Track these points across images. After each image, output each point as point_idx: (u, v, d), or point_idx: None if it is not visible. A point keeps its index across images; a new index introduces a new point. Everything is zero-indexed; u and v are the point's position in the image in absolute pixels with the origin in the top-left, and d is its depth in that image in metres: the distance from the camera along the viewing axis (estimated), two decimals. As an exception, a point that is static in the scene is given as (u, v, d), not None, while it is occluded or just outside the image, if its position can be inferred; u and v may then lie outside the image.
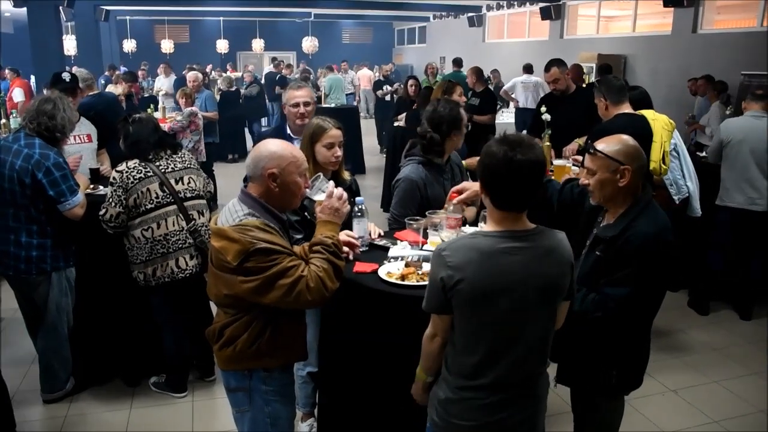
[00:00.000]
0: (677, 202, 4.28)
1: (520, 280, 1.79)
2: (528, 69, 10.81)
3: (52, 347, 3.48)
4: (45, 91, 4.12)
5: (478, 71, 7.59)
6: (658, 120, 3.80)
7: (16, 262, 3.27)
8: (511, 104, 11.03)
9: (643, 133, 3.56)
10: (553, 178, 4.24)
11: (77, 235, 3.43)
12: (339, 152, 2.90)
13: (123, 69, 15.65)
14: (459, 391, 1.89)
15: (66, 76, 4.21)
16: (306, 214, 2.83)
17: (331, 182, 2.41)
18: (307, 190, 2.33)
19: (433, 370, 2.00)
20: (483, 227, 1.93)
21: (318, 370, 2.91)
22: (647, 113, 3.84)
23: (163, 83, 11.53)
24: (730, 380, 3.90)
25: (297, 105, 3.35)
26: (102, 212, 3.23)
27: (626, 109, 3.78)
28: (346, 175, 3.06)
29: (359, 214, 2.66)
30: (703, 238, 4.84)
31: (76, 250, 3.48)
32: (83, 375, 3.66)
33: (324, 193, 2.30)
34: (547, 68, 4.93)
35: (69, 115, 3.33)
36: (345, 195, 2.28)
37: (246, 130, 11.61)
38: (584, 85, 6.64)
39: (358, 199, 2.69)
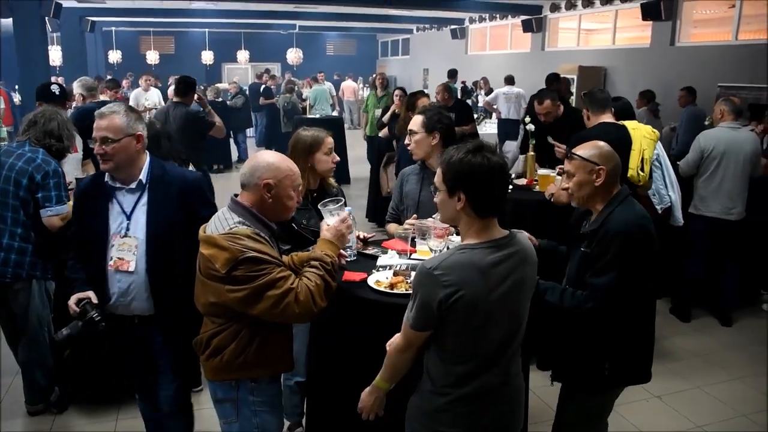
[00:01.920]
0: (659, 212, 4.36)
1: (510, 287, 1.85)
2: (510, 80, 10.93)
3: (34, 359, 3.45)
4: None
5: (445, 87, 7.63)
6: (639, 129, 3.90)
7: None
8: (494, 115, 11.15)
9: (619, 141, 3.67)
10: (538, 188, 4.34)
11: (63, 245, 3.40)
12: (336, 157, 2.98)
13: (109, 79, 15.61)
14: (447, 400, 1.90)
15: (55, 89, 4.23)
16: (293, 224, 2.85)
17: (347, 209, 2.48)
18: (321, 208, 2.43)
19: (397, 380, 2.03)
20: (458, 240, 1.97)
21: (306, 378, 2.92)
22: (629, 123, 3.95)
23: (146, 97, 10.49)
24: (713, 385, 3.96)
25: (95, 140, 2.47)
26: None
27: (607, 119, 3.90)
28: (332, 182, 3.09)
29: (330, 203, 2.68)
30: (684, 246, 4.93)
31: (55, 265, 3.41)
32: (69, 386, 3.61)
33: (337, 218, 2.36)
34: (541, 101, 4.95)
35: (71, 133, 3.41)
36: (350, 222, 2.35)
37: (231, 141, 11.61)
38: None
39: (346, 208, 2.71)
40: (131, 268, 2.48)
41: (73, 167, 4.15)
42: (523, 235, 1.99)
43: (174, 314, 2.52)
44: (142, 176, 2.52)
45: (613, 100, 4.51)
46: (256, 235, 2.07)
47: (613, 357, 2.40)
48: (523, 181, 4.50)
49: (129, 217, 2.50)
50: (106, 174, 2.52)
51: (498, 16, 15.23)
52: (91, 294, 2.51)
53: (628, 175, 3.82)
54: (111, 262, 2.49)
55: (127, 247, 2.47)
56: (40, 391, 3.52)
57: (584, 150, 2.40)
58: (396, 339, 1.96)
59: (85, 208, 2.60)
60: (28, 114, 3.48)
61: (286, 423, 3.22)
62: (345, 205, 2.54)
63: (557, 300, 2.34)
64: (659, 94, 8.59)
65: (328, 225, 2.33)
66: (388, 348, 1.98)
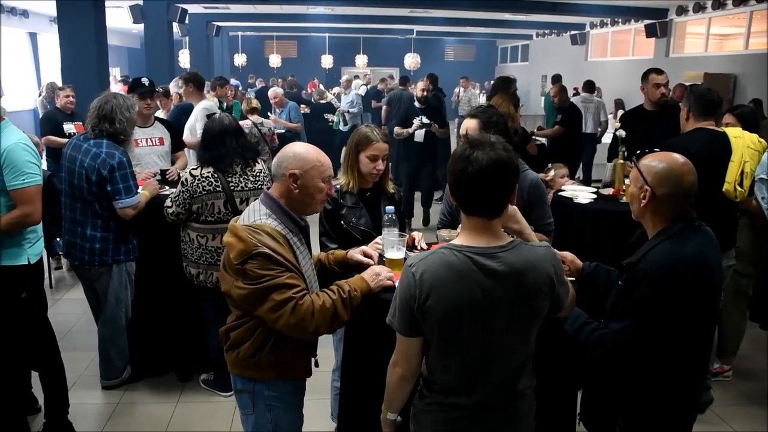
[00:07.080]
0: None
1: (490, 301, 1.67)
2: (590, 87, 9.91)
3: (109, 337, 3.65)
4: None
5: (560, 87, 7.42)
6: (742, 138, 3.42)
7: (81, 253, 3.47)
8: (610, 124, 10.53)
9: (714, 152, 3.28)
10: (625, 199, 4.02)
11: (139, 231, 3.60)
12: (381, 165, 2.85)
13: (234, 82, 16.50)
14: (426, 402, 1.81)
15: (145, 80, 4.34)
16: (342, 222, 2.82)
17: (388, 209, 2.63)
18: (385, 232, 2.51)
19: (395, 406, 1.89)
20: (455, 239, 1.83)
21: (341, 371, 2.86)
22: (732, 131, 3.47)
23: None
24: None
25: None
26: (167, 204, 3.36)
27: (708, 125, 3.44)
28: (391, 187, 3.01)
29: (388, 223, 2.62)
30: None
31: (138, 245, 3.62)
32: (139, 365, 3.82)
33: (399, 251, 2.40)
34: (661, 71, 4.51)
35: (129, 116, 3.42)
36: (392, 276, 2.23)
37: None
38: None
39: (388, 208, 2.66)
40: None
41: (158, 159, 4.32)
42: (539, 252, 1.75)
43: None
44: None
45: (737, 107, 4.03)
46: (278, 234, 2.04)
47: (628, 413, 2.06)
48: (609, 191, 4.19)
49: None
50: None
51: (620, 20, 14.47)
52: None
53: (724, 189, 3.36)
54: None
55: None
56: (114, 367, 3.72)
57: (649, 160, 2.01)
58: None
59: None
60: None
61: (334, 423, 3.18)
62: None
63: (574, 332, 2.05)
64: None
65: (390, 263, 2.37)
66: None
